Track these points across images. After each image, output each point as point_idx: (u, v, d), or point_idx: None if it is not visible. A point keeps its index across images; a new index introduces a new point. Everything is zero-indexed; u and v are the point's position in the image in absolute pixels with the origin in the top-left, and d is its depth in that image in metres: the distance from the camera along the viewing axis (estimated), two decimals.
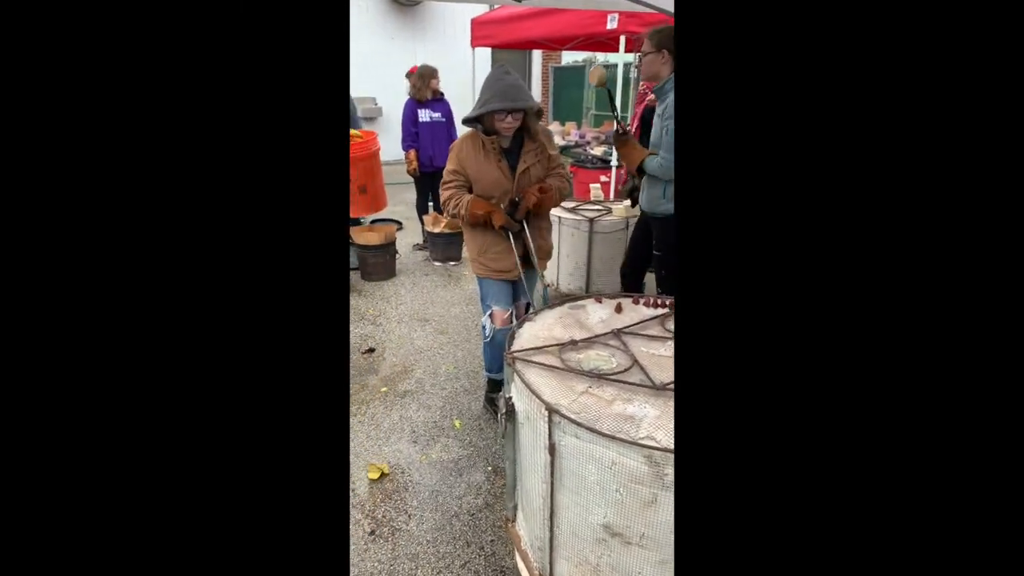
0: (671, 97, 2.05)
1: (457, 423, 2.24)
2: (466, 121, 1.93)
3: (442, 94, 4.00)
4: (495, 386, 2.29)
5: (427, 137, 3.92)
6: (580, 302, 1.57)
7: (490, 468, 2.00)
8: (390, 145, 4.45)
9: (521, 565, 1.29)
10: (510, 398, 1.22)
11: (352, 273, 3.68)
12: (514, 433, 1.25)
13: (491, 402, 2.29)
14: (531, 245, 2.01)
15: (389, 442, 2.13)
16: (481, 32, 5.06)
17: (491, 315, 2.12)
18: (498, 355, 2.19)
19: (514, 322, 2.13)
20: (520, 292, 2.17)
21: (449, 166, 1.97)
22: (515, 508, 1.36)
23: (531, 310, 2.15)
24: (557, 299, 1.72)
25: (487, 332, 2.16)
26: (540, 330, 1.40)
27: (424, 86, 3.85)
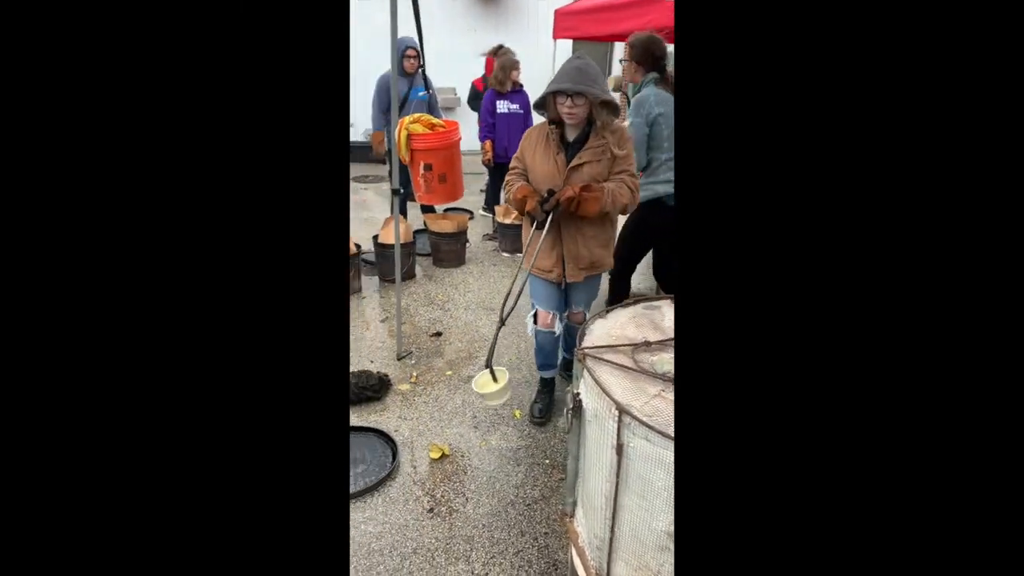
0: (637, 97, 2.27)
1: (517, 413, 2.26)
2: (535, 107, 1.86)
3: (521, 85, 4.01)
4: (544, 384, 2.25)
5: (503, 128, 3.95)
6: (655, 302, 1.53)
7: (547, 461, 2.00)
8: (466, 135, 4.53)
9: (577, 562, 1.28)
10: (578, 394, 1.22)
11: (424, 259, 3.80)
12: (579, 429, 1.24)
13: (538, 407, 2.22)
14: (565, 248, 1.86)
15: (451, 425, 2.18)
16: (564, 24, 5.00)
17: (535, 315, 2.06)
18: (540, 355, 2.15)
19: (558, 327, 2.03)
20: (571, 299, 2.03)
21: (517, 153, 1.92)
22: (574, 504, 1.35)
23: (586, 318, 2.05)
24: (629, 298, 1.68)
25: (530, 331, 2.12)
26: (612, 328, 1.37)
27: (505, 77, 3.87)
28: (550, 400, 2.25)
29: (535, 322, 2.06)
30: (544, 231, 1.79)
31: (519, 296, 1.85)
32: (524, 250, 1.95)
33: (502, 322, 1.84)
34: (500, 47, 3.90)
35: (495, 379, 1.83)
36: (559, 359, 2.25)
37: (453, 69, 6.05)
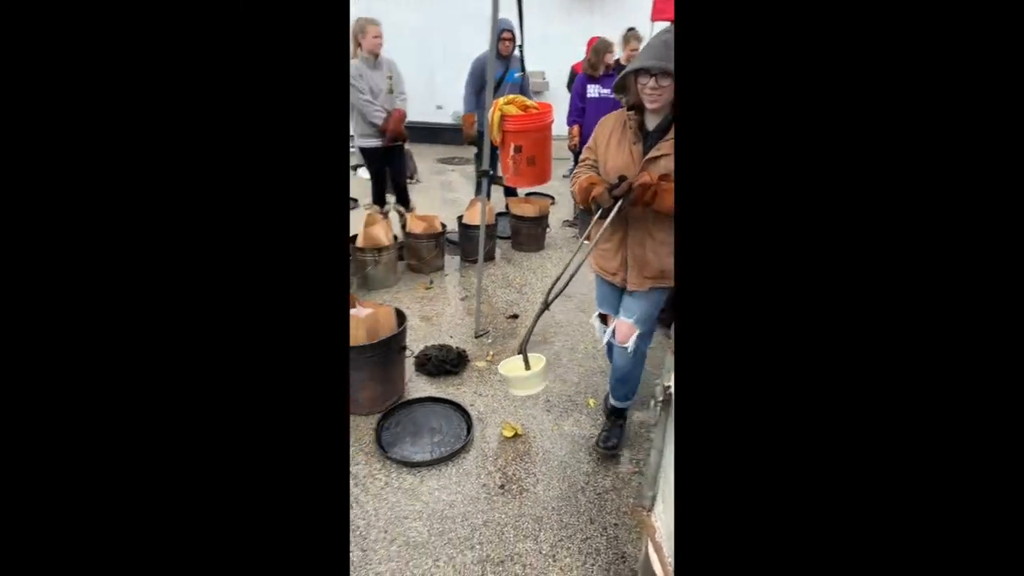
0: None
1: (591, 402, 2.24)
2: (615, 90, 1.60)
3: (615, 70, 3.89)
4: (615, 414, 1.96)
5: (592, 113, 3.86)
6: None
7: (620, 453, 1.97)
8: (558, 119, 4.48)
9: (654, 556, 1.26)
10: (668, 387, 1.18)
11: (504, 242, 3.84)
12: (667, 423, 1.20)
13: (606, 440, 1.93)
14: (631, 252, 1.63)
15: (525, 406, 2.20)
16: (663, 5, 4.79)
17: (601, 316, 1.89)
18: (617, 370, 1.84)
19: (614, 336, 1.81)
20: (622, 304, 1.76)
21: (589, 142, 1.70)
22: (653, 498, 1.32)
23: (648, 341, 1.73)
24: None
25: (598, 331, 1.92)
26: None
27: (598, 61, 3.78)
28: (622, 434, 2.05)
29: (604, 323, 1.90)
30: (608, 220, 1.55)
31: (568, 282, 1.66)
32: (583, 237, 1.75)
33: (546, 306, 1.66)
34: (630, 29, 3.79)
35: (528, 366, 1.64)
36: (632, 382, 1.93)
37: (544, 53, 6.00)
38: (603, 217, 1.58)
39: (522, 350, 1.64)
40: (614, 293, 1.79)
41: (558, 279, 1.68)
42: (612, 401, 1.96)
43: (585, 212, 3.81)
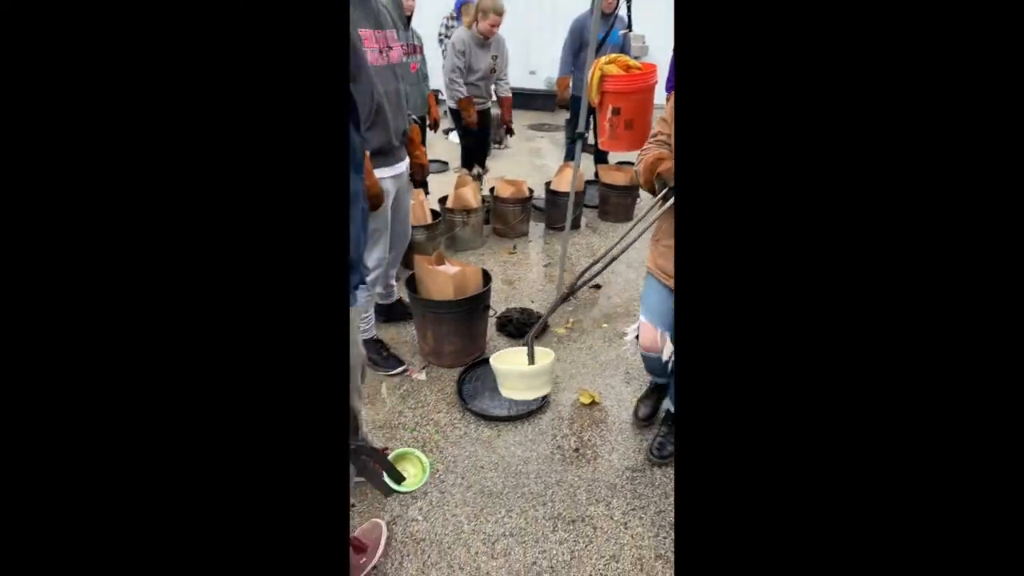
0: None
1: None
2: None
3: None
4: (673, 420, 1.81)
5: None
6: None
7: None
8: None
9: None
10: None
11: (590, 211, 3.76)
12: None
13: (661, 448, 1.76)
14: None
15: (603, 375, 2.18)
16: None
17: (639, 327, 1.64)
18: (651, 374, 1.70)
19: (667, 351, 1.59)
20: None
21: (664, 113, 1.50)
22: None
23: None
24: None
25: (629, 338, 1.76)
26: None
27: None
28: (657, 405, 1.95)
29: (637, 338, 1.67)
30: (671, 202, 1.35)
31: (606, 266, 1.42)
32: (650, 208, 1.50)
33: (571, 291, 1.38)
34: None
35: (532, 361, 1.24)
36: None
37: (646, 14, 5.69)
38: (667, 198, 1.40)
39: (529, 341, 1.24)
40: (666, 302, 1.55)
41: (595, 262, 1.44)
42: (671, 407, 1.85)
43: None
